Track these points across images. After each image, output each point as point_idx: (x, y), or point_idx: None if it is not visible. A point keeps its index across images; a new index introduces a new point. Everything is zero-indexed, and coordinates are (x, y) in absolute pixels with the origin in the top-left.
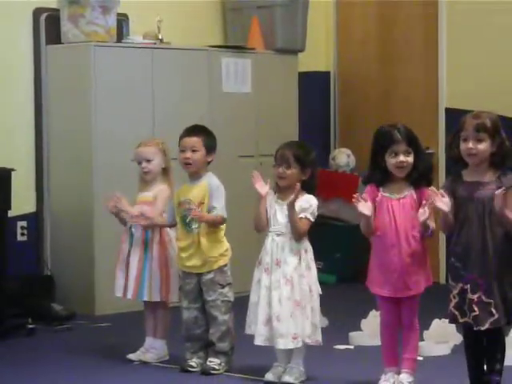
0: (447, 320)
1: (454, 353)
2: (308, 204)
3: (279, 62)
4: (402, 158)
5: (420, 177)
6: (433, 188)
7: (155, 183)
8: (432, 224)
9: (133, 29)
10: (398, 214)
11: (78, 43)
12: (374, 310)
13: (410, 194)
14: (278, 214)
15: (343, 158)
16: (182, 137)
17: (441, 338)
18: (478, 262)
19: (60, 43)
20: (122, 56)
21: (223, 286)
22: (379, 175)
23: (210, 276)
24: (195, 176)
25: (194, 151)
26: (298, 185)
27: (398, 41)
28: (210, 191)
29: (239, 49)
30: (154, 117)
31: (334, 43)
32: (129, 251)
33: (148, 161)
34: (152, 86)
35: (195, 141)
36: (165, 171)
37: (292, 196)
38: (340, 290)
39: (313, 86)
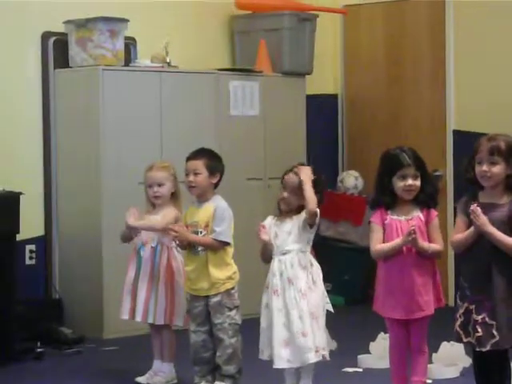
0: (455, 343)
1: (463, 375)
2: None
3: (287, 85)
4: (410, 181)
5: (427, 199)
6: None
7: (164, 207)
8: (431, 246)
9: (141, 52)
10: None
11: (86, 67)
12: (382, 333)
13: (417, 215)
14: (279, 235)
15: (351, 180)
16: (186, 160)
17: (450, 360)
18: (485, 284)
19: (68, 67)
20: (129, 79)
21: (230, 309)
22: (387, 198)
23: (218, 299)
24: (202, 198)
25: (196, 174)
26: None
27: (406, 63)
28: (214, 214)
29: (247, 72)
30: (161, 140)
31: (341, 66)
32: (136, 274)
33: (160, 185)
34: (160, 109)
35: (197, 164)
36: (174, 195)
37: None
38: (348, 313)
39: (320, 109)
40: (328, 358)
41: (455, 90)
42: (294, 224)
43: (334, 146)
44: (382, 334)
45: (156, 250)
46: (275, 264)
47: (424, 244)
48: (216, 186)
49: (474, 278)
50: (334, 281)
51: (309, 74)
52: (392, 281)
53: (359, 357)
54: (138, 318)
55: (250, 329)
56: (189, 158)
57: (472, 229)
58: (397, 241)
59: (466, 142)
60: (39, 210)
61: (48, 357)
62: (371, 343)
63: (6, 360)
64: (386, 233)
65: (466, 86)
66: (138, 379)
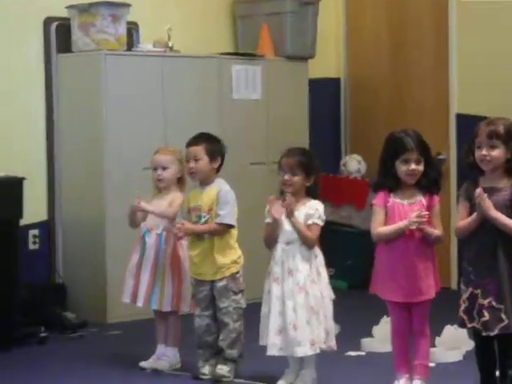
0: (460, 328)
1: (465, 359)
2: (314, 209)
3: (289, 69)
4: (413, 166)
5: (430, 184)
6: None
7: (170, 192)
8: (434, 232)
9: (143, 37)
10: (410, 215)
11: (88, 52)
12: (385, 317)
13: (419, 199)
14: (285, 223)
15: (354, 164)
16: (186, 147)
17: (453, 344)
18: (490, 267)
19: (71, 52)
20: (132, 64)
21: (236, 293)
22: (390, 182)
23: (223, 283)
24: (204, 182)
25: (196, 160)
26: (290, 197)
27: (408, 46)
28: (217, 198)
29: (249, 56)
30: (164, 124)
31: (344, 49)
32: (140, 258)
33: (164, 168)
34: (162, 94)
35: (197, 150)
36: (180, 180)
37: (288, 208)
38: (351, 297)
39: (323, 93)
40: (334, 349)
41: (458, 73)
42: (300, 215)
43: (336, 129)
44: (384, 318)
45: (161, 236)
46: (278, 252)
47: (428, 229)
48: (218, 169)
49: (478, 261)
50: (336, 265)
51: (311, 58)
52: (394, 264)
53: (362, 340)
54: (140, 304)
55: (251, 314)
56: (188, 144)
57: (475, 215)
58: (399, 224)
59: (470, 126)
60: (42, 194)
61: (51, 341)
62: (374, 327)
63: (10, 345)
64: (388, 216)
65: (469, 68)
66: (142, 364)
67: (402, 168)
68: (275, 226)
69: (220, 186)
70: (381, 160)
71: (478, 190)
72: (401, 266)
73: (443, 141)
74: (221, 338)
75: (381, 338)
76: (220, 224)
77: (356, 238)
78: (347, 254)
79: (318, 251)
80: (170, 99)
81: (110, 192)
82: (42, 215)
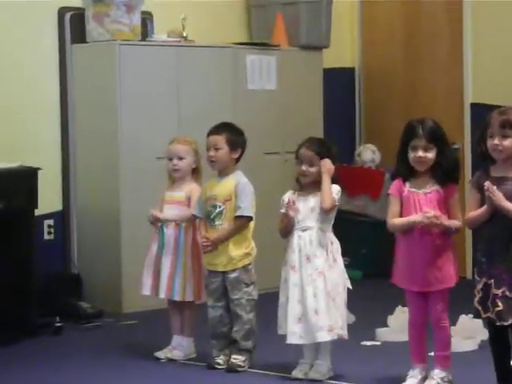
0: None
1: (481, 348)
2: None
3: (304, 59)
4: (420, 153)
5: (444, 174)
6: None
7: (185, 182)
8: (453, 223)
9: (157, 27)
10: (426, 205)
11: (103, 42)
12: (400, 306)
13: (435, 189)
14: (302, 211)
15: (368, 154)
16: (207, 135)
17: (468, 333)
18: (503, 257)
19: (85, 42)
20: (146, 54)
21: (248, 285)
22: (404, 169)
23: (235, 275)
24: (223, 173)
25: (216, 149)
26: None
27: (423, 36)
28: (236, 190)
29: (264, 46)
30: (178, 114)
31: (358, 39)
32: (159, 249)
33: (180, 158)
34: (177, 84)
35: (218, 139)
36: (195, 171)
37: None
38: (366, 286)
39: (338, 82)
40: (346, 337)
41: (472, 62)
42: (317, 201)
43: (351, 119)
44: (400, 308)
45: (180, 227)
46: (294, 240)
47: (445, 222)
48: (237, 160)
49: (491, 251)
50: (351, 255)
51: (326, 48)
52: (411, 254)
53: (377, 330)
54: (162, 295)
55: (266, 303)
56: (210, 133)
57: (486, 206)
58: (412, 218)
59: (484, 115)
60: (57, 185)
61: (67, 331)
62: (389, 316)
63: (25, 335)
64: (404, 206)
65: (483, 58)
66: (157, 354)
67: (411, 155)
68: (290, 222)
69: (238, 179)
70: (399, 147)
71: (487, 183)
72: (418, 256)
73: (458, 130)
74: (235, 329)
75: (396, 327)
76: (241, 217)
77: (371, 228)
78: (362, 243)
79: (333, 238)
80: (184, 89)
81: (125, 182)
82: (57, 205)
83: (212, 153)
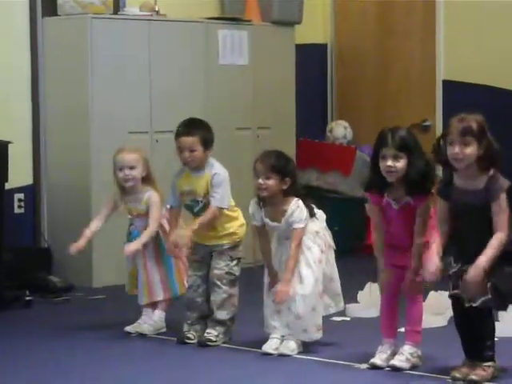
0: (443, 291)
1: (450, 324)
2: (296, 217)
3: (276, 34)
4: (389, 162)
5: (413, 184)
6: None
7: (137, 192)
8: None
9: (129, 1)
10: (396, 221)
11: (74, 15)
12: (370, 283)
13: (408, 201)
14: (274, 229)
15: (340, 130)
16: (178, 134)
17: (437, 309)
18: (473, 256)
19: (56, 15)
20: (118, 28)
21: (232, 259)
22: (378, 179)
23: (221, 248)
24: (198, 168)
25: (191, 151)
26: None
27: (396, 13)
28: (211, 181)
29: (236, 21)
30: (150, 88)
31: (331, 15)
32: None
33: (131, 168)
34: (149, 58)
35: (192, 141)
36: (146, 179)
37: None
38: (337, 263)
39: (310, 58)
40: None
41: (445, 39)
42: (283, 224)
43: (323, 95)
44: (369, 284)
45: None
46: (273, 250)
47: (415, 261)
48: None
49: (461, 254)
50: None
51: (298, 23)
52: (389, 240)
53: (347, 306)
54: (160, 298)
55: (251, 277)
56: (181, 134)
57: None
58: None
59: (456, 92)
60: (28, 158)
61: (36, 305)
62: (359, 292)
63: None
64: (383, 215)
65: (455, 35)
66: (127, 328)
67: (381, 164)
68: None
69: (211, 169)
70: (371, 157)
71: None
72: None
73: (430, 108)
74: (211, 298)
75: (366, 303)
76: (215, 207)
77: (342, 205)
78: (334, 220)
79: (310, 243)
80: (156, 64)
81: (96, 156)
82: (28, 179)
83: (187, 154)
